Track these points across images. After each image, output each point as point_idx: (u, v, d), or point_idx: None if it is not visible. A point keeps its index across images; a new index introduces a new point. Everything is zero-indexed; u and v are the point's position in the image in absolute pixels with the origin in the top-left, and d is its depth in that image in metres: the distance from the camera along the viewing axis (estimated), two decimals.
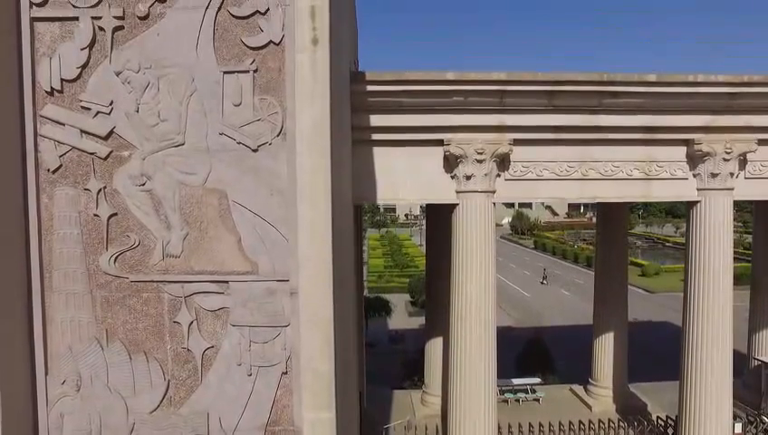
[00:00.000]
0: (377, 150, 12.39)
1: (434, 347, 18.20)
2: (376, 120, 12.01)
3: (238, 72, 6.47)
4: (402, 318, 33.74)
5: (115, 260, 6.60)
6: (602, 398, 18.54)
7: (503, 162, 12.50)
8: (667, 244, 75.18)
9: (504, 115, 12.13)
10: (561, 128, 12.41)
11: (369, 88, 11.55)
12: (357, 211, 15.94)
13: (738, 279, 32.66)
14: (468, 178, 12.16)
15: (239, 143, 6.49)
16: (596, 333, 18.92)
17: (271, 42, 6.45)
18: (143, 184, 6.55)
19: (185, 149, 6.51)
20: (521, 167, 12.62)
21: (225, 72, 6.48)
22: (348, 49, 11.30)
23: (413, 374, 20.59)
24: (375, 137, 12.24)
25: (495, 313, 12.78)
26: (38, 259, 6.53)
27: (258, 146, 6.48)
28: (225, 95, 6.48)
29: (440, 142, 12.26)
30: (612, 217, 18.37)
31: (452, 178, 12.45)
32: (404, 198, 12.84)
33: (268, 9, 6.42)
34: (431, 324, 18.49)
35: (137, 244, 6.59)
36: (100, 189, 6.53)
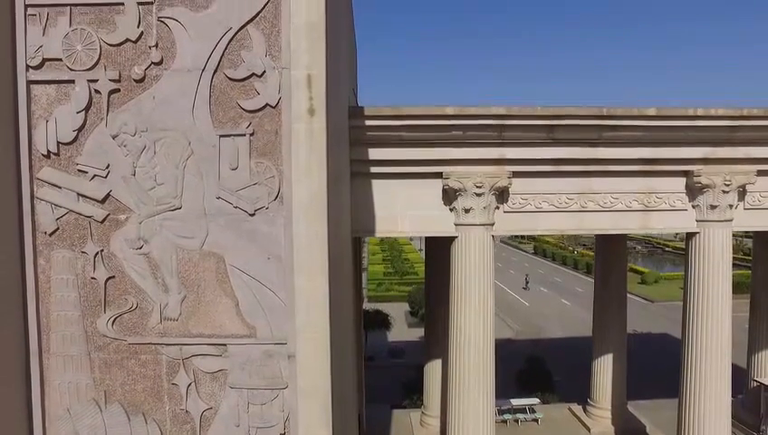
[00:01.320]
0: (376, 183, 12.38)
1: (433, 369, 18.22)
2: (375, 153, 12.01)
3: (235, 135, 6.43)
4: (402, 329, 33.78)
5: (113, 322, 6.59)
6: (601, 419, 18.57)
7: (502, 195, 12.49)
8: (667, 249, 75.12)
9: (503, 148, 12.13)
10: (561, 160, 12.40)
11: (368, 123, 11.55)
12: (356, 240, 15.97)
13: (737, 287, 32.70)
14: (467, 211, 12.16)
15: (236, 207, 6.47)
16: (595, 355, 18.94)
17: (267, 105, 6.41)
18: (140, 247, 6.53)
19: (182, 213, 6.49)
20: (520, 199, 12.61)
21: (221, 136, 6.44)
22: (347, 80, 11.31)
23: (412, 393, 20.62)
24: (374, 170, 12.24)
25: (494, 344, 12.80)
26: (36, 322, 6.51)
27: (255, 210, 6.46)
28: (221, 159, 6.45)
29: (439, 175, 12.26)
30: (611, 249, 18.39)
31: (451, 210, 12.44)
32: (402, 231, 12.84)
33: (264, 72, 6.39)
34: (430, 346, 18.50)
35: (135, 306, 6.58)
36: (97, 252, 6.51)
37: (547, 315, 40.08)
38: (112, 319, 6.57)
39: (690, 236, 13.40)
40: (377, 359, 27.74)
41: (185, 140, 6.45)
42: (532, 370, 22.34)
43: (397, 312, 37.50)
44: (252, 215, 6.49)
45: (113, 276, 6.55)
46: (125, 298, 6.57)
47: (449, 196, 12.32)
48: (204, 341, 6.58)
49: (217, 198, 6.50)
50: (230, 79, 6.45)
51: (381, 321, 27.62)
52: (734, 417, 19.60)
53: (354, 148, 11.90)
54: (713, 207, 12.92)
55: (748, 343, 19.55)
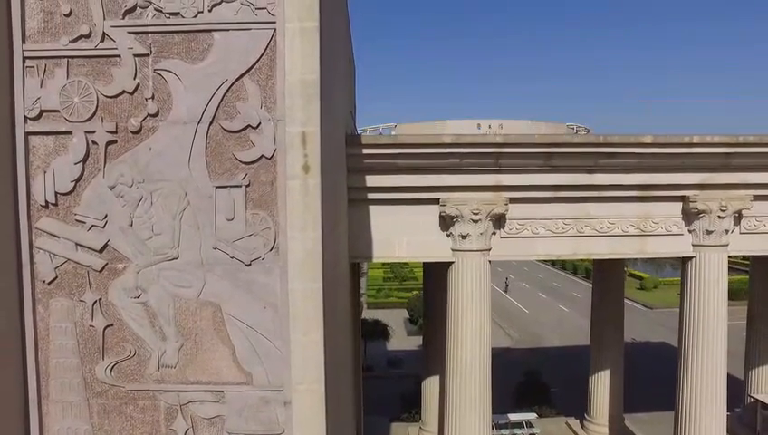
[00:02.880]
0: (373, 209, 12.47)
1: (431, 384, 18.33)
2: (372, 180, 12.09)
3: (230, 186, 6.50)
4: (401, 337, 33.86)
5: (111, 369, 6.67)
6: None
7: (499, 220, 12.56)
8: None
9: (500, 175, 12.21)
10: (558, 187, 12.49)
11: (366, 151, 11.64)
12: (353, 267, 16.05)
13: (736, 294, 32.48)
14: (464, 237, 12.24)
15: (232, 257, 6.55)
16: (592, 370, 19.06)
17: (263, 156, 6.48)
18: (138, 296, 6.61)
19: (179, 263, 6.57)
20: (517, 224, 12.69)
21: (217, 187, 6.51)
22: (344, 107, 11.38)
23: (411, 406, 20.74)
24: (371, 196, 12.32)
25: (490, 366, 12.87)
26: (35, 370, 6.60)
27: (251, 260, 6.54)
28: (217, 210, 6.52)
29: (436, 201, 12.34)
30: (609, 266, 18.50)
31: (448, 236, 12.53)
32: (400, 256, 12.93)
33: (260, 123, 6.45)
34: (428, 362, 18.62)
35: (133, 354, 6.66)
36: (95, 301, 6.59)
37: (545, 323, 40.14)
38: (111, 366, 6.66)
39: (686, 260, 13.48)
40: (376, 369, 27.85)
41: (181, 190, 6.53)
42: (529, 383, 22.43)
43: (396, 319, 37.59)
44: (248, 265, 6.57)
45: (111, 324, 6.63)
46: (123, 346, 6.66)
47: (446, 222, 12.39)
48: (201, 387, 6.66)
49: (214, 249, 6.58)
50: (226, 130, 6.52)
51: (380, 331, 27.73)
52: (731, 432, 19.74)
53: (352, 175, 11.98)
54: (709, 232, 12.99)
55: (745, 359, 19.65)
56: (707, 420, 13.12)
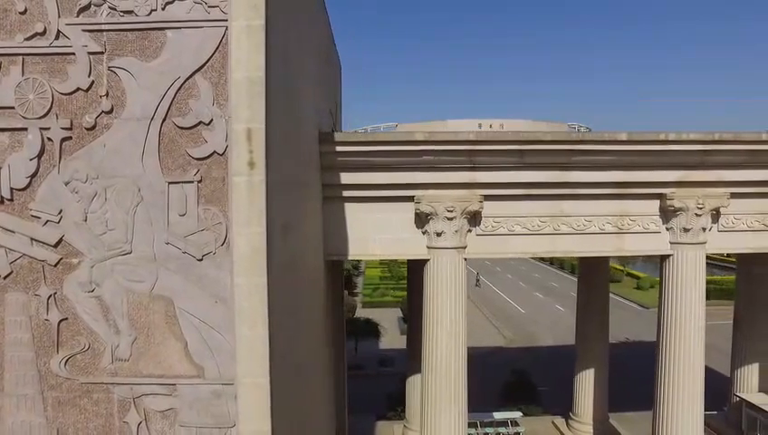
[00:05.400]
0: (348, 206, 12.53)
1: (415, 382, 18.33)
2: (347, 177, 12.15)
3: (183, 182, 6.58)
4: (394, 336, 33.86)
5: (66, 363, 6.77)
6: (583, 433, 18.67)
7: (474, 218, 12.59)
8: None
9: (474, 172, 12.23)
10: (533, 184, 12.49)
11: (339, 148, 11.69)
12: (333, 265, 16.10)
13: (725, 293, 32.30)
14: (439, 234, 12.27)
15: (184, 252, 6.62)
16: (577, 369, 19.05)
17: (215, 152, 6.55)
18: (92, 290, 6.70)
19: (132, 258, 6.66)
20: (492, 222, 12.71)
21: (170, 183, 6.59)
22: (317, 106, 11.42)
23: (397, 404, 20.79)
24: (346, 194, 12.39)
25: (466, 364, 12.90)
26: None
27: (203, 255, 6.61)
28: (170, 205, 6.60)
29: (411, 199, 12.38)
30: (594, 264, 18.46)
31: (423, 233, 12.57)
32: (375, 253, 12.99)
33: (212, 120, 6.53)
34: (412, 360, 18.63)
35: (87, 347, 6.75)
36: (50, 295, 6.68)
37: (541, 322, 40.07)
38: (65, 359, 6.75)
39: (664, 258, 13.45)
40: (367, 368, 27.90)
41: (134, 186, 6.62)
42: (516, 382, 22.43)
43: (390, 317, 37.64)
44: (200, 260, 6.64)
45: (66, 318, 6.73)
46: (77, 339, 6.75)
47: (421, 219, 12.44)
48: (154, 381, 6.75)
49: (166, 244, 6.66)
50: (179, 127, 6.60)
51: (371, 330, 27.79)
52: (717, 431, 19.71)
53: (327, 172, 12.05)
54: (686, 229, 12.97)
55: (731, 358, 19.58)
56: (684, 419, 13.08)
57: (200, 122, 6.55)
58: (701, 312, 13.21)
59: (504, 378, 23.32)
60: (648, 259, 72.90)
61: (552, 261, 65.27)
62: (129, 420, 6.81)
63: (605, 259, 18.77)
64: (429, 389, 12.70)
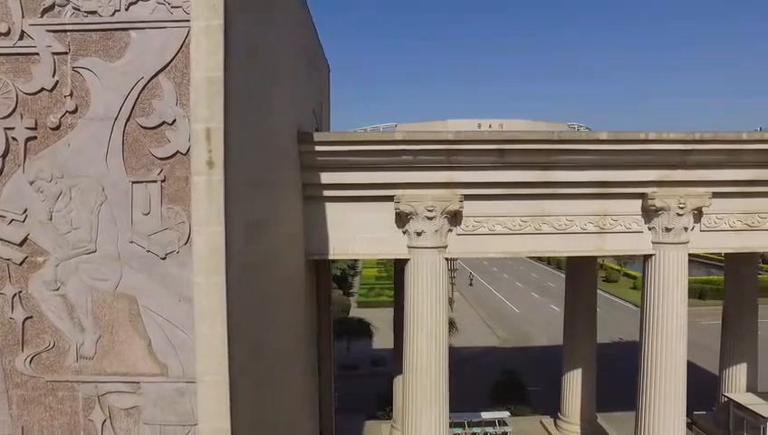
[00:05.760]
0: (329, 206, 12.56)
1: (400, 383, 18.36)
2: (327, 177, 12.18)
3: (147, 181, 6.63)
4: (388, 336, 33.76)
5: (31, 361, 6.81)
6: (570, 433, 18.67)
7: (454, 217, 12.60)
8: None
9: (454, 172, 12.25)
10: (513, 184, 12.50)
11: (318, 148, 11.72)
12: (320, 264, 16.14)
13: (722, 294, 32.25)
14: (419, 234, 12.29)
15: (148, 251, 6.67)
16: (565, 369, 19.05)
17: (178, 152, 6.59)
18: (57, 289, 6.74)
19: (96, 257, 6.70)
20: (473, 222, 12.72)
21: (133, 182, 6.64)
22: (293, 105, 11.41)
23: (386, 404, 20.80)
24: (327, 193, 12.42)
25: (447, 365, 12.91)
26: None
27: (166, 254, 6.65)
28: (134, 204, 6.65)
29: (391, 198, 12.40)
30: (581, 264, 18.47)
31: (404, 233, 12.59)
32: (355, 253, 13.03)
33: (175, 120, 6.57)
34: (397, 361, 18.62)
35: (52, 345, 6.80)
36: (15, 294, 6.73)
37: (535, 323, 40.04)
38: (30, 357, 6.80)
39: (646, 258, 13.44)
40: (360, 368, 27.92)
41: (99, 186, 6.66)
42: (506, 382, 22.44)
43: (385, 317, 37.52)
44: (163, 258, 6.68)
45: (31, 317, 6.77)
46: (42, 337, 6.79)
47: (402, 219, 12.46)
48: (118, 379, 6.79)
49: (130, 243, 6.70)
50: (142, 127, 6.64)
51: (363, 330, 27.84)
52: (706, 431, 19.70)
53: (306, 172, 12.09)
54: (668, 229, 12.96)
55: (720, 358, 19.56)
56: (666, 419, 13.07)
57: (164, 122, 6.59)
58: (683, 311, 13.20)
59: (494, 378, 23.32)
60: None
61: (549, 261, 65.08)
62: (93, 418, 6.85)
63: (592, 259, 18.77)
64: (410, 389, 12.72)
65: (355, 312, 37.64)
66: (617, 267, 54.56)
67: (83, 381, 6.81)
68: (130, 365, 6.78)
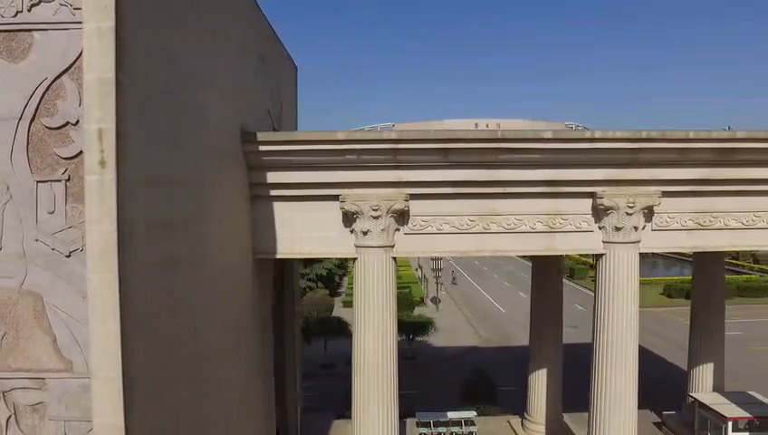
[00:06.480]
0: (277, 205, 12.64)
1: None
2: (273, 177, 12.26)
3: (51, 181, 6.72)
4: None
5: None
6: (535, 433, 18.68)
7: (402, 217, 12.65)
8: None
9: (399, 171, 12.30)
10: (460, 183, 12.54)
11: (262, 148, 11.80)
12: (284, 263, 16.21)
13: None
14: (365, 233, 12.35)
15: (53, 249, 6.76)
16: (531, 369, 19.06)
17: (82, 152, 6.69)
18: None
19: (2, 255, 6.78)
20: (420, 221, 12.76)
21: (38, 181, 6.73)
22: (239, 106, 11.47)
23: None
24: (274, 193, 12.50)
25: (396, 362, 12.96)
26: None
27: (70, 252, 6.74)
28: (39, 203, 6.74)
29: (338, 198, 12.45)
30: (547, 262, 18.48)
31: (351, 232, 12.65)
32: (303, 252, 13.10)
33: (78, 120, 6.66)
34: None
35: None
36: None
37: (520, 322, 40.00)
38: None
39: (598, 257, 13.45)
40: (337, 366, 27.99)
41: (3, 185, 6.75)
42: (476, 381, 22.45)
43: None
44: (68, 256, 6.78)
45: None
46: None
47: (348, 218, 12.51)
48: (23, 375, 6.88)
49: (36, 241, 6.79)
50: (47, 127, 6.73)
51: (341, 329, 27.95)
52: (674, 431, 19.65)
53: (253, 172, 12.17)
54: (618, 228, 12.95)
55: (688, 358, 19.52)
56: (617, 420, 13.06)
57: (67, 123, 6.68)
58: (634, 312, 13.19)
59: (468, 378, 23.34)
60: (642, 259, 72.71)
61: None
62: None
63: (557, 259, 18.77)
64: (358, 387, 12.79)
65: (340, 311, 37.68)
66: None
67: None
68: (36, 362, 6.87)
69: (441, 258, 45.19)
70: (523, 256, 72.94)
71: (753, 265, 58.62)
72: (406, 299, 37.44)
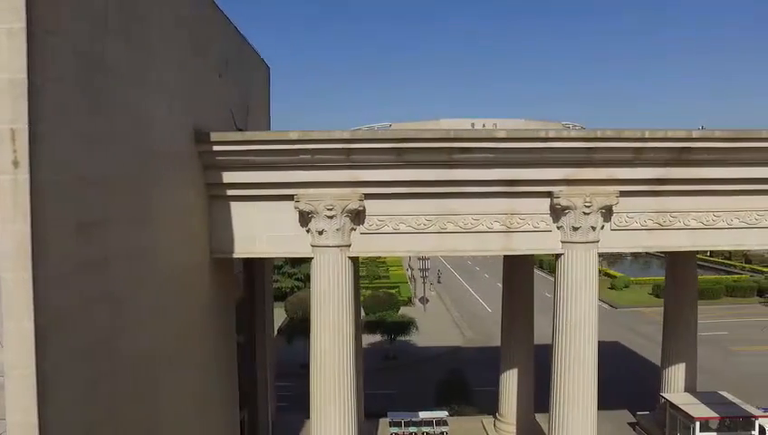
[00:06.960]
0: (234, 205, 12.65)
1: None
2: (229, 176, 12.28)
3: None
4: None
5: None
6: (507, 433, 18.67)
7: (358, 216, 12.65)
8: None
9: (354, 171, 12.30)
10: (415, 182, 12.53)
11: (216, 148, 11.82)
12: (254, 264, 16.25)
13: (701, 294, 31.78)
14: (320, 232, 12.35)
15: None
16: (502, 369, 19.06)
17: None
18: None
19: None
20: (377, 220, 12.76)
21: None
22: (191, 107, 11.49)
23: None
24: (231, 193, 12.51)
25: (353, 363, 12.96)
26: None
27: None
28: None
29: (293, 197, 12.46)
30: (516, 264, 18.49)
31: (307, 232, 12.65)
32: (260, 251, 13.10)
33: None
34: None
35: None
36: None
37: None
38: None
39: (557, 257, 13.43)
40: None
41: None
42: (450, 382, 22.45)
43: None
44: None
45: None
46: None
47: (304, 218, 12.52)
48: None
49: None
50: None
51: None
52: (647, 431, 19.63)
53: (209, 172, 12.20)
54: (575, 228, 12.92)
55: (661, 358, 19.50)
56: (575, 420, 13.03)
57: None
58: (593, 312, 13.17)
59: (444, 378, 23.34)
60: (635, 259, 72.39)
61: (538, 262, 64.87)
62: None
63: (528, 260, 18.75)
64: (315, 388, 12.79)
65: None
66: (598, 267, 54.09)
67: None
68: None
69: (428, 258, 45.24)
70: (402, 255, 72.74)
71: (744, 265, 58.48)
72: (390, 299, 37.46)
